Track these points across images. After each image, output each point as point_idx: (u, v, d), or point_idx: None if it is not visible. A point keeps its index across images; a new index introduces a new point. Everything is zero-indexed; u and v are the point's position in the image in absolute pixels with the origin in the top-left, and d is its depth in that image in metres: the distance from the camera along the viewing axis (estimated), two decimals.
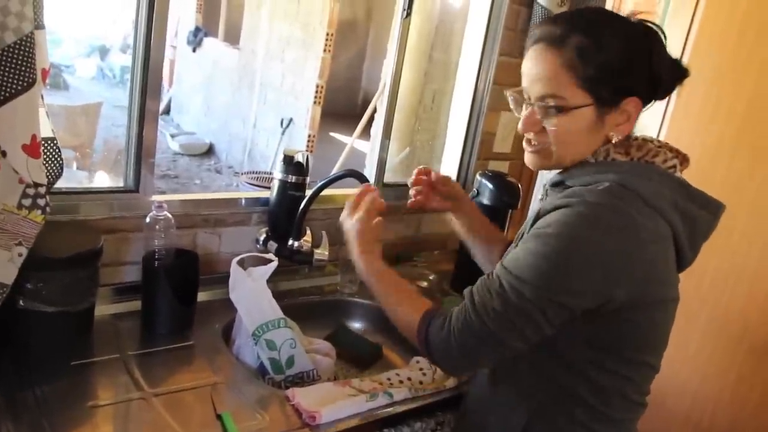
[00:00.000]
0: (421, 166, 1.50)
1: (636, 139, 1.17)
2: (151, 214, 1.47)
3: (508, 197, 1.88)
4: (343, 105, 8.85)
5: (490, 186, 1.88)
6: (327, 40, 5.76)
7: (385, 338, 1.76)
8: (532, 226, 1.11)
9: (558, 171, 1.20)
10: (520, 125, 1.15)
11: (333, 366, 1.55)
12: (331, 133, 7.63)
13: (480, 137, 2.18)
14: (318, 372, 1.49)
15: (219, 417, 1.23)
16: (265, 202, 1.76)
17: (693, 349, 2.17)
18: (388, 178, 2.13)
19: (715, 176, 2.10)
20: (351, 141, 5.42)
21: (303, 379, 1.46)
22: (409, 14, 1.82)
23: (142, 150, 1.57)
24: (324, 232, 1.75)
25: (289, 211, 1.69)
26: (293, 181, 1.68)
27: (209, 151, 7.83)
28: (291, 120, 6.14)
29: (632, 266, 1.05)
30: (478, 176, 1.94)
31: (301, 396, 1.31)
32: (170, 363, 1.41)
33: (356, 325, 1.83)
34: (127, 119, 1.58)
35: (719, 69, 2.17)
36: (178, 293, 1.49)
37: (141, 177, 1.58)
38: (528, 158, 1.20)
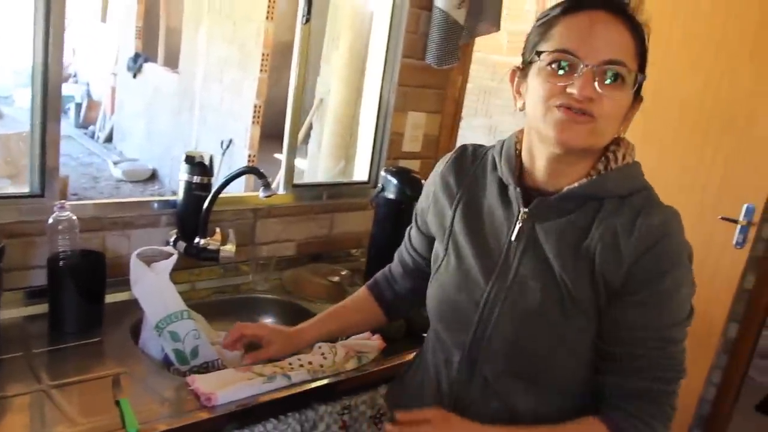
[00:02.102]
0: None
1: None
2: (53, 215, 1.51)
3: (411, 190, 1.95)
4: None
5: (394, 181, 1.96)
6: (263, 60, 5.82)
7: None
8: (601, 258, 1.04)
9: (570, 184, 1.09)
10: (577, 89, 1.00)
11: (239, 357, 1.59)
12: (276, 155, 7.66)
13: (389, 137, 2.26)
14: (223, 362, 1.53)
15: (117, 404, 1.27)
16: (174, 204, 1.81)
17: None
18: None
19: None
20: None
21: (208, 369, 1.51)
22: (308, 20, 1.90)
23: (45, 159, 1.61)
24: (231, 230, 1.80)
25: (195, 211, 1.74)
26: (198, 181, 1.74)
27: (153, 176, 7.79)
28: (231, 141, 6.17)
29: None
30: (382, 173, 2.02)
31: (201, 381, 1.35)
32: (75, 358, 1.45)
33: (269, 320, 1.88)
34: (30, 134, 1.62)
35: None
36: (84, 292, 1.53)
37: (45, 183, 1.62)
38: (572, 132, 1.03)
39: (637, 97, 1.09)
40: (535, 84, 1.06)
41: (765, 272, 3.01)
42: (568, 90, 1.01)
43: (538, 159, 1.11)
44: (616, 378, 1.07)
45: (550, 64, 1.03)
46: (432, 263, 1.27)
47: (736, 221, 2.68)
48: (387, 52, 2.19)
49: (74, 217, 1.52)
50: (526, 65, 1.09)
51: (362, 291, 1.50)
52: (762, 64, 2.56)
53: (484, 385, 1.15)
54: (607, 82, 1.01)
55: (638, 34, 1.04)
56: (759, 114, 2.58)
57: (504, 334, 1.11)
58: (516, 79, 1.13)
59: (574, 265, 1.06)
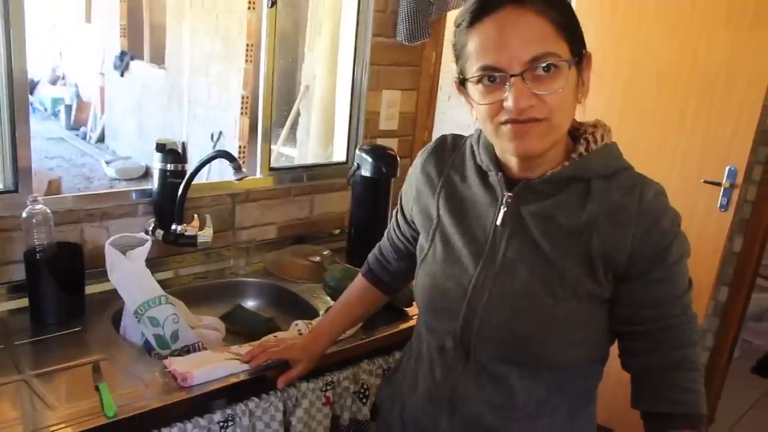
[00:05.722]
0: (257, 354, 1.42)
1: None
2: (27, 208, 1.52)
3: (387, 167, 1.97)
4: (281, 114, 8.89)
5: (369, 159, 1.97)
6: (248, 51, 5.81)
7: (277, 312, 1.85)
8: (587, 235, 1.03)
9: (554, 169, 1.07)
10: (512, 102, 0.97)
11: (221, 339, 1.61)
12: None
13: (364, 116, 2.27)
14: (204, 345, 1.55)
15: (97, 389, 1.29)
16: (150, 193, 1.82)
17: None
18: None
19: None
20: (277, 146, 5.47)
21: (189, 352, 1.52)
22: (274, 3, 1.90)
23: (17, 155, 1.62)
24: (207, 216, 1.82)
25: (171, 198, 1.75)
26: (172, 169, 1.75)
27: (146, 173, 7.79)
28: (221, 133, 6.17)
29: None
30: (357, 152, 2.02)
31: (178, 363, 1.37)
32: (56, 348, 1.47)
33: (251, 303, 1.90)
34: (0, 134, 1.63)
35: (599, 39, 2.30)
36: (63, 284, 1.55)
37: (19, 178, 1.63)
38: (528, 141, 1.01)
39: (583, 60, 1.04)
40: (476, 103, 1.03)
41: (752, 234, 3.03)
42: (505, 105, 0.98)
43: (509, 158, 1.10)
44: (651, 356, 1.09)
45: (479, 82, 1.00)
46: (417, 253, 1.25)
47: (719, 184, 2.69)
48: (357, 31, 2.19)
49: (48, 210, 1.53)
50: (462, 81, 1.06)
51: (359, 281, 1.48)
52: (737, 27, 2.55)
53: (479, 369, 1.14)
54: (541, 75, 0.97)
55: (554, 8, 0.98)
56: (736, 76, 2.58)
57: (494, 319, 1.09)
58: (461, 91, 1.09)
59: (564, 245, 1.05)
